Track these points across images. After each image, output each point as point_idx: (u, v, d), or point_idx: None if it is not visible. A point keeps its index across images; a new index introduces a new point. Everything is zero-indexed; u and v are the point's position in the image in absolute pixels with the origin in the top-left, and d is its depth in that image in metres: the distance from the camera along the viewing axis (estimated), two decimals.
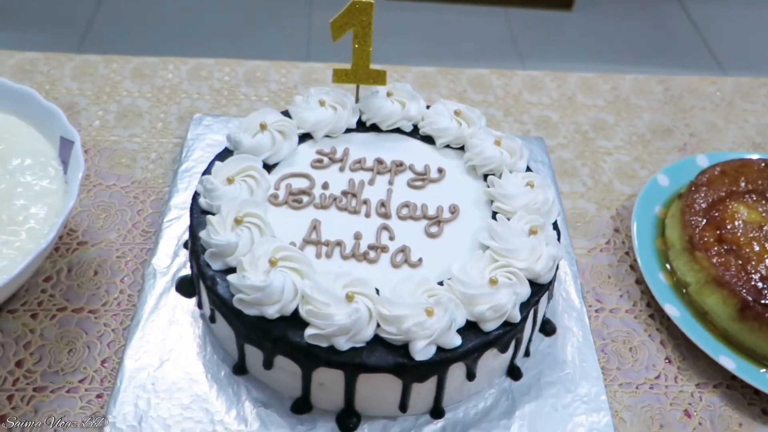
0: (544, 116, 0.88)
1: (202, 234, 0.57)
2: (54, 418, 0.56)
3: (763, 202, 0.72)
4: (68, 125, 0.65)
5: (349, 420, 0.56)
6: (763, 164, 0.76)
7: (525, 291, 0.56)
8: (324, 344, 0.52)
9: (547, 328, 0.63)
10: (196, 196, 0.61)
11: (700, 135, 0.88)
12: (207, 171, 0.63)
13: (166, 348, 0.59)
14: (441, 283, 0.56)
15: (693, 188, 0.73)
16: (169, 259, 0.65)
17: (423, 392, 0.55)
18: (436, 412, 0.57)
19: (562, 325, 0.64)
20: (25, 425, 0.56)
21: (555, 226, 0.61)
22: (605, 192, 0.80)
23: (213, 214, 0.59)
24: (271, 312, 0.52)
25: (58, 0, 2.11)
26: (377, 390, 0.54)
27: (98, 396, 0.58)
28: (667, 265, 0.71)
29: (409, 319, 0.52)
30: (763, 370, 0.63)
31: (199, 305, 0.61)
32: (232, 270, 0.56)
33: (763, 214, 0.71)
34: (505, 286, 0.54)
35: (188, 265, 0.65)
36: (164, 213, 0.69)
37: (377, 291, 0.54)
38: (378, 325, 0.52)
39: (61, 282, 0.65)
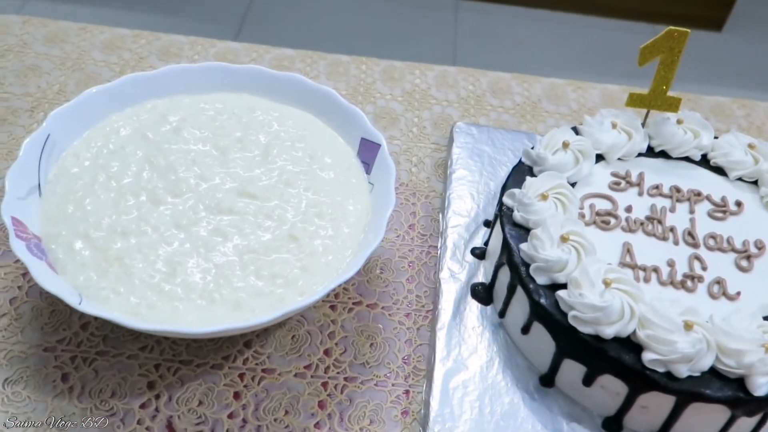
0: None
1: (525, 247, 0.59)
2: (368, 409, 0.59)
3: None
4: (371, 128, 0.68)
5: None
6: None
7: None
8: (661, 369, 0.53)
9: None
10: (504, 208, 0.63)
11: None
12: (506, 185, 0.65)
13: (473, 354, 0.61)
14: (766, 320, 0.56)
15: None
16: (459, 264, 0.67)
17: (742, 426, 0.55)
18: None
19: None
20: (345, 414, 0.59)
21: None
22: None
23: (527, 229, 0.61)
24: (609, 332, 0.53)
25: None
26: (700, 419, 0.55)
27: (405, 392, 0.60)
28: None
29: (750, 355, 0.52)
30: None
31: (501, 314, 0.63)
32: (557, 285, 0.57)
33: None
34: None
35: (479, 272, 0.67)
36: (446, 219, 0.71)
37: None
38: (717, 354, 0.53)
39: (352, 277, 0.68)
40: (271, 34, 2.06)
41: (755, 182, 0.68)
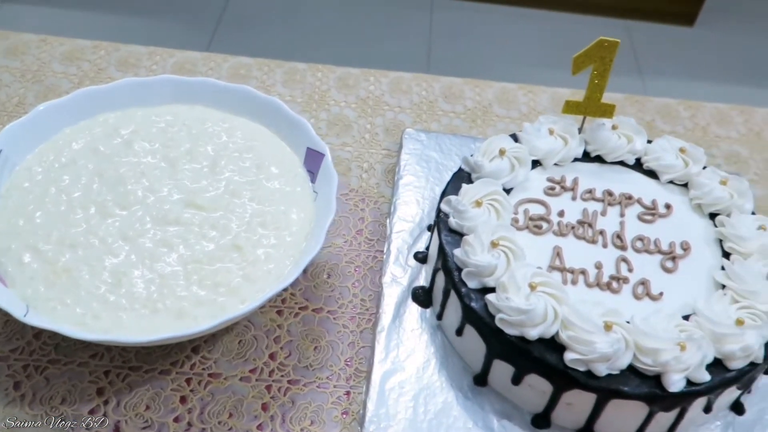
0: (734, 151, 0.90)
1: (458, 252, 0.61)
2: (309, 411, 0.62)
3: None
4: (316, 137, 0.70)
5: None
6: None
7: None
8: (582, 368, 0.55)
9: None
10: (441, 215, 0.66)
11: None
12: (445, 192, 0.68)
13: (411, 355, 0.63)
14: (686, 318, 0.59)
15: None
16: (401, 269, 0.70)
17: (662, 421, 0.58)
18: None
19: None
20: (287, 415, 0.61)
21: None
22: None
23: (461, 234, 0.63)
24: (533, 334, 0.56)
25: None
26: (621, 415, 0.57)
27: (346, 393, 0.63)
28: None
29: (665, 353, 0.55)
30: None
31: (439, 317, 0.66)
32: (487, 289, 0.60)
33: None
34: (751, 328, 0.57)
35: (421, 276, 0.69)
36: (392, 224, 0.73)
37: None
38: (634, 353, 0.56)
39: (300, 282, 0.71)
40: (247, 40, 2.07)
41: (685, 185, 0.71)
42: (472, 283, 0.60)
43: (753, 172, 0.87)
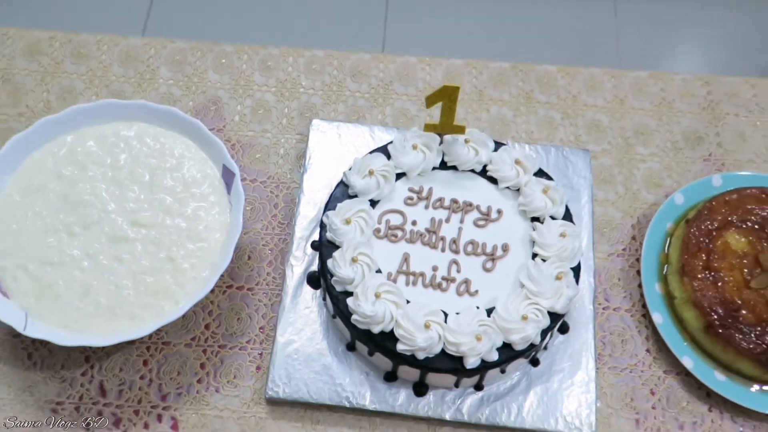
0: (596, 120, 1.06)
1: (329, 264, 0.84)
2: (233, 367, 0.89)
3: (756, 230, 0.93)
4: (229, 158, 0.89)
5: (421, 388, 0.86)
6: (764, 195, 0.95)
7: (546, 323, 0.81)
8: (409, 353, 0.80)
9: (563, 328, 0.90)
10: (323, 225, 0.87)
11: (726, 145, 1.05)
12: (329, 204, 0.88)
13: (303, 328, 0.88)
14: (490, 311, 0.82)
15: (697, 217, 0.94)
16: (301, 254, 0.92)
17: (470, 379, 0.84)
18: (478, 387, 0.86)
19: (574, 325, 0.90)
20: (218, 371, 0.88)
21: (576, 268, 0.85)
22: (632, 200, 1.00)
23: (336, 246, 0.85)
24: (376, 330, 0.80)
25: None
26: (442, 376, 0.83)
27: (259, 354, 0.89)
28: (664, 273, 0.94)
29: (465, 345, 0.79)
30: (716, 370, 0.89)
31: (324, 298, 0.90)
32: (350, 293, 0.83)
33: (754, 243, 0.92)
34: (532, 321, 0.81)
35: (315, 262, 0.92)
36: (295, 216, 0.95)
37: (446, 315, 0.81)
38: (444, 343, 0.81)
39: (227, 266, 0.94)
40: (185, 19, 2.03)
41: (518, 190, 0.90)
42: (338, 288, 0.83)
43: (607, 142, 1.04)
